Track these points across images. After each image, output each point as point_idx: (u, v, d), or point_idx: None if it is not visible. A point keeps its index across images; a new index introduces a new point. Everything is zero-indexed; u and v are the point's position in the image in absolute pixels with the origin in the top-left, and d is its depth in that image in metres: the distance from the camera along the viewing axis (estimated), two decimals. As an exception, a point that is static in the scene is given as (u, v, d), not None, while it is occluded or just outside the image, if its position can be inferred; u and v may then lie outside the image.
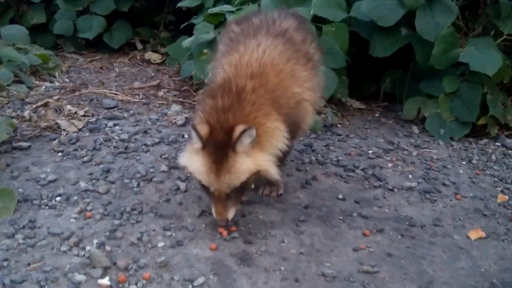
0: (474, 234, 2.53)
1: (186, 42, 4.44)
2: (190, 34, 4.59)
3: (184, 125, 3.70)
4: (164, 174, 2.94)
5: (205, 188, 2.27)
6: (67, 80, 4.64)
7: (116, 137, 3.37)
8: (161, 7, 6.06)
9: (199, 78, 4.19)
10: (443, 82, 3.81)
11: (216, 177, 2.17)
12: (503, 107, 3.86)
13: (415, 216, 2.69)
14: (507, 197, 2.93)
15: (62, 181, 2.79)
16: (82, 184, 2.76)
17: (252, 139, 2.15)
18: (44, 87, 4.31)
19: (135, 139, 3.40)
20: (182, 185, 2.79)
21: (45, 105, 3.72)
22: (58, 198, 2.61)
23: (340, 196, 2.82)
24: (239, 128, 2.11)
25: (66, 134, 3.37)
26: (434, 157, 3.45)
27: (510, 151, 3.64)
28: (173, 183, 2.83)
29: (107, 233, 2.33)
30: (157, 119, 3.80)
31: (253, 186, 2.83)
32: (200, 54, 4.19)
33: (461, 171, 3.27)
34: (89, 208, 2.53)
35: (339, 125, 3.95)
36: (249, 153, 2.18)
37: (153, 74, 5.13)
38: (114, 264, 2.12)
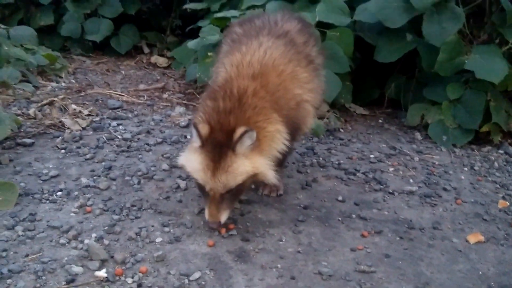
0: (473, 238, 2.52)
1: (192, 43, 4.47)
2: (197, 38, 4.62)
3: (187, 126, 3.72)
4: (165, 173, 2.95)
5: (201, 188, 2.27)
6: (73, 81, 4.68)
7: (119, 136, 3.40)
8: (169, 11, 6.11)
9: (203, 80, 4.21)
10: (447, 89, 3.81)
11: (212, 176, 2.17)
12: (506, 115, 3.85)
13: (415, 219, 2.68)
14: (508, 203, 2.93)
15: (64, 177, 2.81)
16: (84, 180, 2.78)
17: (252, 141, 2.16)
18: (50, 87, 4.34)
19: (138, 138, 3.42)
20: (183, 183, 2.80)
21: (50, 103, 3.76)
22: (59, 193, 2.63)
23: (340, 198, 2.83)
24: (240, 130, 2.13)
25: (70, 132, 3.39)
26: (436, 163, 3.45)
27: (513, 159, 3.63)
28: (173, 181, 2.84)
29: (106, 228, 2.34)
30: (161, 120, 3.82)
31: (253, 186, 2.85)
32: (205, 57, 4.22)
33: (462, 177, 3.26)
34: (89, 203, 2.55)
35: (341, 130, 3.95)
36: (248, 155, 2.19)
37: (158, 77, 5.16)
38: (112, 257, 2.14)
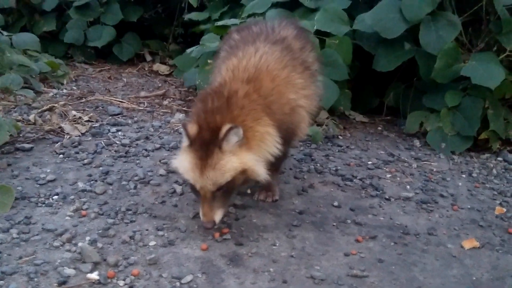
0: (468, 244, 2.52)
1: (193, 51, 4.51)
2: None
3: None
4: (162, 178, 2.97)
5: (193, 188, 2.29)
6: (74, 87, 4.72)
7: (117, 142, 3.42)
8: (171, 20, 6.16)
9: (203, 87, 4.24)
10: (445, 96, 3.81)
11: (201, 174, 2.19)
12: (505, 122, 3.85)
13: (410, 224, 2.68)
14: (505, 210, 2.92)
15: (61, 181, 2.83)
16: (80, 184, 2.80)
17: (238, 138, 2.18)
18: (51, 93, 4.38)
19: (137, 144, 3.44)
20: (179, 188, 2.82)
21: (50, 109, 3.79)
22: (55, 197, 2.65)
23: (336, 204, 2.83)
24: (225, 127, 2.15)
25: (69, 137, 3.42)
26: (434, 170, 3.45)
27: (511, 166, 3.62)
28: (170, 186, 2.86)
29: (100, 231, 2.36)
30: (160, 126, 3.84)
31: (249, 191, 2.87)
32: (205, 64, 4.25)
33: (460, 184, 3.25)
34: (85, 207, 2.57)
35: (340, 137, 3.95)
36: (235, 152, 2.20)
37: (160, 85, 5.19)
38: (105, 260, 2.15)
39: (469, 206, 2.94)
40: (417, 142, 3.94)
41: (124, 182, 2.86)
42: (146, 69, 5.81)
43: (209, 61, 4.24)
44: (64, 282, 1.99)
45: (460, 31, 3.84)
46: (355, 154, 3.63)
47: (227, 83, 2.38)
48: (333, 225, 2.61)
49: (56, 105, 3.86)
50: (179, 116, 4.08)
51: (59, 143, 3.31)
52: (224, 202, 2.29)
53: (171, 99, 4.67)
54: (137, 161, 3.17)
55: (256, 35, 2.72)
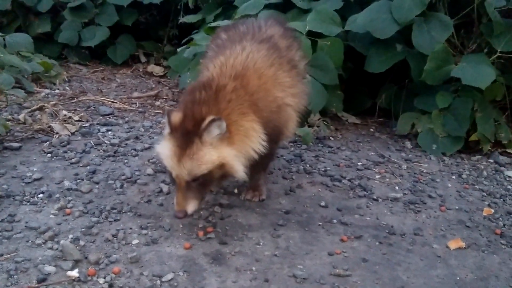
0: (454, 244, 2.51)
1: (186, 51, 4.51)
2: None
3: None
4: (149, 177, 2.96)
5: (170, 176, 2.28)
6: (67, 88, 4.71)
7: (106, 142, 3.41)
8: (166, 21, 6.16)
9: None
10: (436, 98, 3.81)
11: (178, 162, 2.18)
12: (496, 124, 3.84)
13: (396, 225, 2.67)
14: (492, 211, 2.91)
15: (47, 180, 2.82)
16: (66, 183, 2.79)
17: (221, 131, 2.17)
18: (43, 93, 4.38)
19: (126, 144, 3.43)
20: (165, 188, 2.81)
21: (41, 109, 3.78)
22: (40, 195, 2.65)
23: (323, 204, 2.82)
24: (208, 118, 2.14)
25: (58, 137, 3.41)
26: (424, 171, 3.44)
27: (502, 168, 3.61)
28: (156, 186, 2.85)
29: (83, 229, 2.35)
30: (151, 127, 3.83)
31: (236, 190, 2.86)
32: (197, 64, 4.24)
33: (449, 185, 3.24)
34: (69, 205, 2.56)
35: (331, 138, 3.95)
36: (215, 145, 2.20)
37: (153, 86, 5.19)
38: (86, 258, 2.14)
39: (457, 207, 2.93)
40: (408, 144, 3.94)
41: (110, 181, 2.86)
42: (141, 70, 5.81)
43: (201, 60, 4.24)
44: (43, 279, 1.98)
45: (452, 33, 3.84)
46: (345, 155, 3.62)
47: (215, 78, 2.39)
48: (319, 224, 2.60)
49: (46, 104, 3.85)
50: (171, 116, 4.06)
51: (47, 142, 3.30)
52: (199, 194, 2.27)
53: (164, 99, 4.67)
54: (125, 161, 3.16)
55: (243, 34, 2.73)
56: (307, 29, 3.99)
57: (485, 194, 3.17)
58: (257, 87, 2.41)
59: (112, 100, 4.39)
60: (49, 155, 3.15)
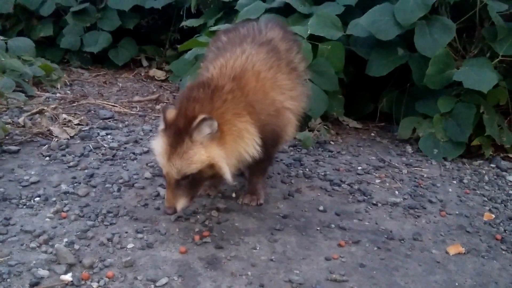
0: (453, 249, 2.48)
1: (187, 54, 4.52)
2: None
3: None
4: (147, 181, 2.94)
5: (162, 172, 2.29)
6: (68, 92, 4.71)
7: (105, 145, 3.40)
8: (167, 25, 6.17)
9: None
10: (438, 102, 3.78)
11: (168, 160, 2.18)
12: (499, 128, 3.80)
13: (395, 230, 2.64)
14: (493, 216, 2.87)
15: (44, 183, 2.81)
16: (64, 186, 2.78)
17: (212, 130, 2.16)
18: (44, 97, 4.38)
19: (125, 147, 3.42)
20: (163, 191, 2.79)
21: (40, 112, 3.78)
22: (37, 199, 2.63)
23: (321, 208, 2.79)
24: (200, 117, 2.13)
25: (57, 140, 3.41)
26: (425, 176, 3.41)
27: (504, 173, 3.57)
28: (154, 189, 2.83)
29: (79, 233, 2.33)
30: (150, 130, 3.82)
31: (234, 195, 2.84)
32: (198, 67, 4.24)
33: (450, 190, 3.21)
34: (65, 209, 2.55)
35: (332, 142, 3.92)
36: (206, 144, 2.18)
37: (154, 90, 5.19)
38: (80, 262, 2.12)
39: (457, 212, 2.90)
40: (409, 148, 3.91)
41: (108, 185, 2.84)
42: (142, 74, 5.81)
43: (201, 64, 4.23)
44: (37, 283, 1.96)
45: (454, 37, 3.81)
46: (345, 159, 3.59)
47: (214, 78, 2.39)
48: (317, 229, 2.58)
49: (45, 108, 3.85)
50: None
51: (46, 145, 3.29)
52: (189, 192, 2.26)
53: (165, 103, 4.65)
54: (124, 164, 3.14)
55: (243, 37, 2.73)
56: (308, 33, 3.98)
57: (486, 199, 3.13)
58: (254, 88, 2.41)
59: (113, 104, 4.39)
60: (47, 158, 3.14)
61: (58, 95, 4.54)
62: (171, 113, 2.23)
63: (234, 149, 2.26)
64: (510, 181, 3.43)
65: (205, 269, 2.15)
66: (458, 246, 2.50)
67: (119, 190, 2.80)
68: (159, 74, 5.75)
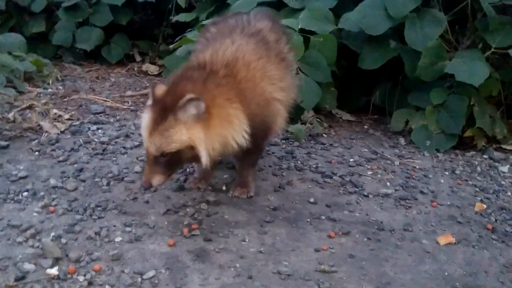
0: (443, 240, 2.47)
1: (179, 51, 4.49)
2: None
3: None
4: (137, 175, 2.92)
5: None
6: (60, 87, 4.68)
7: (96, 140, 3.38)
8: (160, 20, 6.13)
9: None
10: (430, 94, 3.76)
11: (149, 136, 2.18)
12: (491, 120, 3.79)
13: (386, 221, 2.63)
14: (485, 206, 2.86)
15: (33, 178, 2.79)
16: (52, 181, 2.75)
17: (198, 111, 2.15)
18: (35, 92, 4.35)
19: (115, 142, 3.40)
20: (152, 184, 2.77)
21: (30, 107, 3.75)
22: (25, 193, 2.61)
23: (312, 200, 2.78)
24: (187, 96, 2.11)
25: (47, 135, 3.39)
26: (417, 167, 3.39)
27: (496, 163, 3.56)
28: (144, 183, 2.81)
29: (66, 227, 2.31)
30: (142, 125, 3.79)
31: (224, 187, 2.83)
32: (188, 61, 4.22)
33: (442, 181, 3.20)
34: (53, 203, 2.53)
35: (324, 135, 3.91)
36: (189, 125, 2.17)
37: (147, 84, 5.15)
38: (67, 255, 2.11)
39: (448, 203, 2.89)
40: (402, 140, 3.89)
41: (97, 179, 2.82)
42: (135, 69, 5.78)
43: (191, 56, 4.22)
44: (22, 277, 1.95)
45: (446, 29, 3.80)
46: (337, 151, 3.57)
47: (208, 63, 2.39)
48: (307, 221, 2.56)
49: (36, 103, 3.82)
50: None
51: (36, 140, 3.27)
52: (166, 170, 2.26)
53: (157, 98, 4.62)
54: (114, 159, 3.12)
55: (232, 28, 2.72)
56: (299, 26, 3.96)
57: (478, 189, 3.12)
58: (246, 78, 2.41)
59: (104, 99, 4.36)
60: (36, 153, 3.12)
61: (49, 90, 4.51)
62: (160, 89, 2.23)
63: (220, 133, 2.24)
64: (503, 172, 3.43)
65: (193, 262, 2.14)
66: (448, 236, 2.49)
67: (108, 184, 2.78)
68: (152, 69, 5.73)
